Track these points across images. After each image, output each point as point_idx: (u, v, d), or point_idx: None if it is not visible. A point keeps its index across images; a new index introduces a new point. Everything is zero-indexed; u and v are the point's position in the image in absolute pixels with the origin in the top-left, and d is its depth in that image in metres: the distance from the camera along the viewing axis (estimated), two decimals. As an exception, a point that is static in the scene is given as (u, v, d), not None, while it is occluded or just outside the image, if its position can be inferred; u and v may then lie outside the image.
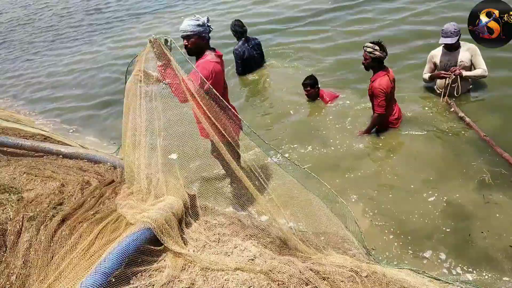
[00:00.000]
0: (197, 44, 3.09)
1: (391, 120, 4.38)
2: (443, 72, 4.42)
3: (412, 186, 3.67)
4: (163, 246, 2.33)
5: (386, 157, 4.17)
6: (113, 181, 3.40)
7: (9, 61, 10.26)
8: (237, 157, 2.99)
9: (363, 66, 4.20)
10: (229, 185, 3.62)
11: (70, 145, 4.74)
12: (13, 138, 4.32)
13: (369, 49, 3.97)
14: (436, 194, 3.52)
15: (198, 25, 3.00)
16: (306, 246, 3.03)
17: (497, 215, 3.20)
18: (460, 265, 2.91)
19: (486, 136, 3.77)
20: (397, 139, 4.33)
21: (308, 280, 2.28)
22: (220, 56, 3.23)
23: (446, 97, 4.49)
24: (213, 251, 2.47)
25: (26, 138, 4.57)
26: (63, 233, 2.40)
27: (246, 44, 6.21)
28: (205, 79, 2.76)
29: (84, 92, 7.46)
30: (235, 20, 6.18)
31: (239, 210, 3.55)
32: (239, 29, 6.10)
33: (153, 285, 2.02)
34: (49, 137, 5.05)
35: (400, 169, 3.93)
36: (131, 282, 2.01)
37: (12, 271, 2.14)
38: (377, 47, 3.92)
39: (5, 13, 16.64)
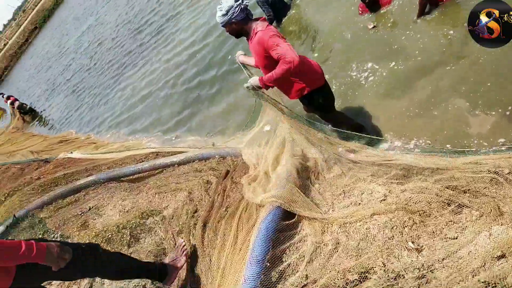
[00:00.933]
0: (233, 30, 3.01)
1: None
2: None
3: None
4: (296, 216, 2.45)
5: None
6: (227, 172, 3.61)
7: (91, 106, 11.37)
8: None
9: None
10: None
11: (180, 152, 5.14)
12: (133, 166, 4.81)
13: None
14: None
15: (223, 15, 2.90)
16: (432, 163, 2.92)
17: None
18: None
19: None
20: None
21: (449, 200, 2.19)
22: (264, 20, 3.06)
23: None
24: (343, 204, 2.51)
25: (142, 161, 5.09)
26: (209, 236, 2.67)
27: None
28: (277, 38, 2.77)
29: (164, 102, 7.93)
30: None
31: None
32: None
33: (304, 256, 2.15)
34: (159, 152, 5.54)
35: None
36: (284, 260, 2.17)
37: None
38: None
39: (72, 63, 18.21)
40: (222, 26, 3.01)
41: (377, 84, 4.19)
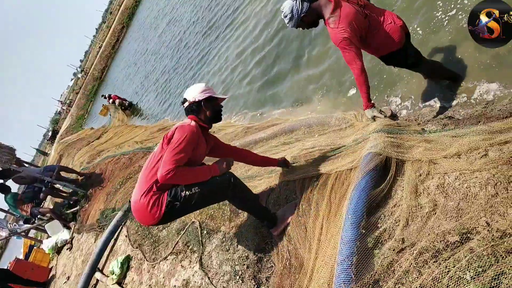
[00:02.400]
0: (309, 23, 2.92)
1: None
2: None
3: None
4: (390, 174, 2.42)
5: None
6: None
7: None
8: None
9: None
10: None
11: (268, 127, 5.27)
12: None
13: None
14: None
15: (291, 18, 2.83)
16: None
17: None
18: None
19: None
20: None
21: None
22: (335, 2, 2.80)
23: None
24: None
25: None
26: (303, 206, 2.80)
27: None
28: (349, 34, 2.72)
29: (245, 81, 8.10)
30: None
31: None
32: None
33: (399, 220, 2.13)
34: (250, 127, 5.78)
35: None
36: (379, 226, 2.17)
37: (284, 253, 2.63)
38: None
39: (159, 58, 19.20)
40: (297, 28, 2.92)
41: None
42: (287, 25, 2.90)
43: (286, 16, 2.83)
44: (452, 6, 4.04)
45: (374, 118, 3.02)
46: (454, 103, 3.48)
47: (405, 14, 4.44)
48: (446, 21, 4.02)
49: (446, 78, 3.57)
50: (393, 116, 3.07)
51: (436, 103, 3.66)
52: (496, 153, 2.18)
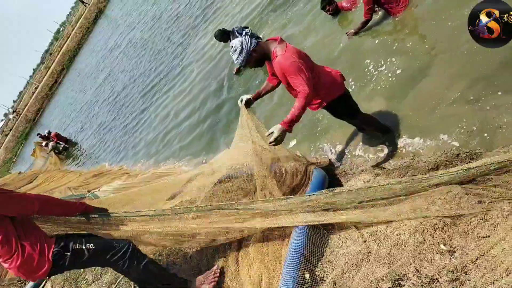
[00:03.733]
0: (256, 59, 2.97)
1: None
2: None
3: None
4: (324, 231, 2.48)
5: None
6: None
7: (120, 139, 11.81)
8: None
9: None
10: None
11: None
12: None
13: None
14: None
15: (240, 52, 2.89)
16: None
17: None
18: None
19: None
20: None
21: (479, 196, 2.16)
22: (281, 39, 2.96)
23: None
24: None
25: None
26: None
27: None
28: (301, 65, 2.78)
29: (192, 128, 8.12)
30: None
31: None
32: None
33: (335, 267, 2.17)
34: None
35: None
36: (316, 273, 2.19)
37: None
38: None
39: (98, 101, 18.86)
40: (246, 64, 2.97)
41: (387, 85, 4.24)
42: (237, 62, 2.96)
43: (236, 50, 2.89)
44: (382, 62, 4.45)
45: (276, 138, 2.85)
46: (385, 154, 3.73)
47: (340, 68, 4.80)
48: (376, 76, 4.41)
49: (379, 131, 3.83)
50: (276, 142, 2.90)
51: (369, 154, 3.90)
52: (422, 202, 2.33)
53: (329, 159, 3.97)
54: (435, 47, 4.04)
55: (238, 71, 7.50)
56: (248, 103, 3.34)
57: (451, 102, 3.48)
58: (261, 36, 6.08)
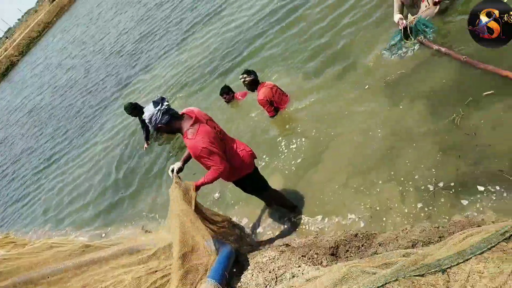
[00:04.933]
0: (164, 130, 3.06)
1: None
2: (403, 22, 4.54)
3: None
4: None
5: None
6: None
7: (9, 202, 10.74)
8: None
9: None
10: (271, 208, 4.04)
11: (110, 246, 4.83)
12: (54, 265, 4.42)
13: (241, 78, 5.20)
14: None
15: (149, 123, 2.99)
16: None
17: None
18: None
19: (466, 57, 3.68)
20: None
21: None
22: (195, 118, 3.02)
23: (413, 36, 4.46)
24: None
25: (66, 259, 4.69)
26: None
27: None
28: (210, 150, 2.91)
29: (93, 196, 7.64)
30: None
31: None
32: None
33: None
34: (89, 245, 5.18)
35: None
36: None
37: None
38: (245, 75, 5.15)
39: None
40: (156, 131, 3.09)
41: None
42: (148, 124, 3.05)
43: (146, 119, 2.98)
44: (294, 141, 4.74)
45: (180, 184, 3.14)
46: (291, 231, 3.81)
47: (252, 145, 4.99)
48: (286, 154, 4.64)
49: (286, 207, 3.95)
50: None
51: (275, 230, 3.96)
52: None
53: (237, 233, 3.93)
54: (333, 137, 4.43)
55: (148, 144, 7.30)
56: (180, 170, 3.36)
57: (351, 185, 3.75)
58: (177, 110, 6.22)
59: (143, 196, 6.29)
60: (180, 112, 3.06)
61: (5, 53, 40.37)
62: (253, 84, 5.24)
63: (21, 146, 14.99)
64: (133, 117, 7.68)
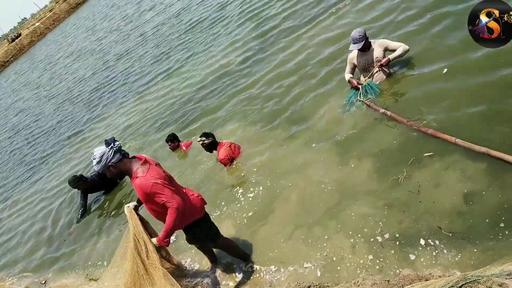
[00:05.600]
0: (114, 173, 3.04)
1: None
2: (355, 81, 4.91)
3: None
4: None
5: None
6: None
7: None
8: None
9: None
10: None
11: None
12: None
13: (200, 141, 5.34)
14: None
15: (98, 163, 2.95)
16: None
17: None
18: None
19: (409, 120, 4.01)
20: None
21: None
22: (145, 160, 3.09)
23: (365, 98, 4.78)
24: None
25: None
26: None
27: None
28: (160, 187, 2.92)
29: (34, 238, 7.28)
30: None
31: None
32: None
33: None
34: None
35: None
36: None
37: None
38: (203, 138, 5.30)
39: None
40: (102, 172, 3.03)
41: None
42: (94, 167, 2.99)
43: (95, 159, 2.93)
44: (252, 189, 4.78)
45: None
46: (243, 281, 3.75)
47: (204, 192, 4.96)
48: (242, 203, 4.67)
49: (238, 257, 3.89)
50: None
51: (227, 280, 3.85)
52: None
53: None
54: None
55: (80, 219, 6.90)
56: (136, 208, 3.36)
57: (303, 236, 3.79)
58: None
59: (87, 243, 6.01)
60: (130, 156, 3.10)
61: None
62: (212, 146, 5.43)
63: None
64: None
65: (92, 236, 6.08)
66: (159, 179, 2.93)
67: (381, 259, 3.12)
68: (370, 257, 3.19)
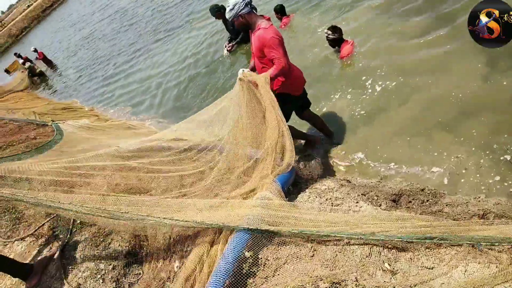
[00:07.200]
0: (241, 23, 3.28)
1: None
2: None
3: None
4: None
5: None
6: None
7: (100, 80, 11.51)
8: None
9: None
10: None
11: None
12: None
13: (326, 35, 5.17)
14: None
15: (231, 10, 3.20)
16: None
17: None
18: None
19: None
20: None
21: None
22: (269, 19, 3.41)
23: None
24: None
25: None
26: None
27: None
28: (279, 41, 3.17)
29: (175, 87, 8.01)
30: None
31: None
32: None
33: (279, 258, 2.16)
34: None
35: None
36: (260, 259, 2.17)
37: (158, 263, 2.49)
38: (329, 31, 5.07)
39: (92, 38, 18.16)
40: (231, 20, 3.29)
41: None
42: (226, 14, 3.27)
43: (229, 6, 3.21)
44: (380, 82, 4.49)
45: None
46: (354, 170, 3.78)
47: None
48: (370, 92, 4.44)
49: (322, 132, 4.24)
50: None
51: (338, 165, 3.94)
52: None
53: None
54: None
55: (231, 48, 7.54)
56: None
57: (426, 139, 3.59)
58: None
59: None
60: None
61: None
62: (336, 42, 5.24)
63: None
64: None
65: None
66: (278, 35, 3.18)
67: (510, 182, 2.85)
68: (497, 178, 2.94)
